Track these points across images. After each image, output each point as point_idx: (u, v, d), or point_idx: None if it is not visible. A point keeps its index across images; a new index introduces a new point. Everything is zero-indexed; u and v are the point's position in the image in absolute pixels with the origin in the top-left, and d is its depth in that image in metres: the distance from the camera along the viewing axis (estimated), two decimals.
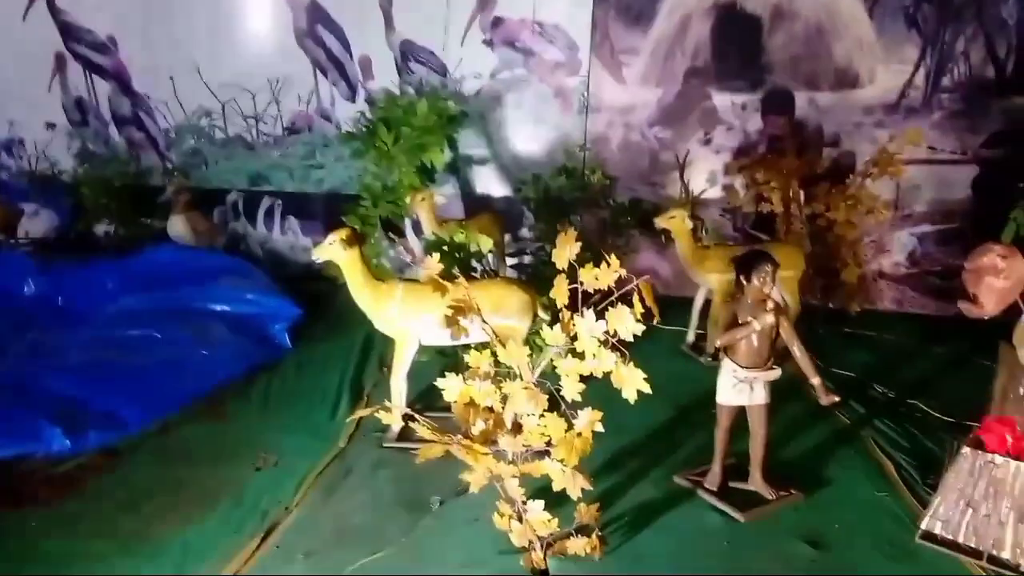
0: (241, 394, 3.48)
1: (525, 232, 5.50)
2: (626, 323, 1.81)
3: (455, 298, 2.00)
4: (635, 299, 1.82)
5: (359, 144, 5.15)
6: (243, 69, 5.57)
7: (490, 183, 5.55)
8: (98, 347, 3.52)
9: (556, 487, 2.02)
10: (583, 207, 4.96)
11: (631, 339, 1.82)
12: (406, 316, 2.95)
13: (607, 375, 1.86)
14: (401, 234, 5.59)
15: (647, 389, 1.84)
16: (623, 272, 1.84)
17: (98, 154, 5.94)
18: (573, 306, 1.89)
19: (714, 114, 5.14)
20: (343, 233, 2.93)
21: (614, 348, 1.82)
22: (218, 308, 4.22)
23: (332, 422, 3.21)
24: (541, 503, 2.07)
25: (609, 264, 1.85)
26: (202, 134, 5.79)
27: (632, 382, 1.84)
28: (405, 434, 2.95)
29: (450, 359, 3.66)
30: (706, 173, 5.17)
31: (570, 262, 1.90)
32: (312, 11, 5.40)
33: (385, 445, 2.94)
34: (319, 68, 5.52)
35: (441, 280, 2.08)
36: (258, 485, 2.64)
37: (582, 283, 1.88)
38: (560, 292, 1.92)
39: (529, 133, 5.42)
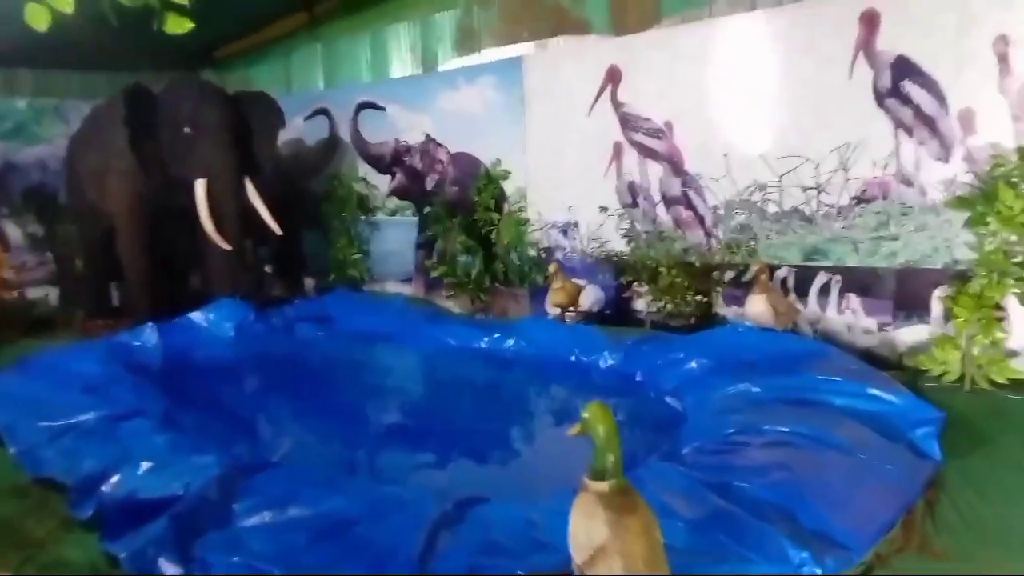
0: (926, 518, 2.91)
1: None
2: None
3: None
4: None
5: (977, 209, 4.36)
6: (807, 139, 5.25)
7: None
8: (752, 442, 3.30)
9: None
10: None
11: None
12: None
13: None
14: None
15: None
16: None
17: (645, 233, 6.23)
18: None
19: None
20: None
21: None
22: (838, 403, 3.77)
23: None
24: None
25: None
26: (753, 209, 5.62)
27: None
28: None
29: None
30: None
31: None
32: (898, 67, 4.84)
33: None
34: (902, 128, 4.89)
35: None
36: None
37: None
38: None
39: None
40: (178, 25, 2.25)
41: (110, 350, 5.72)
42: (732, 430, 3.50)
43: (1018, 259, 4.21)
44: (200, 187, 6.39)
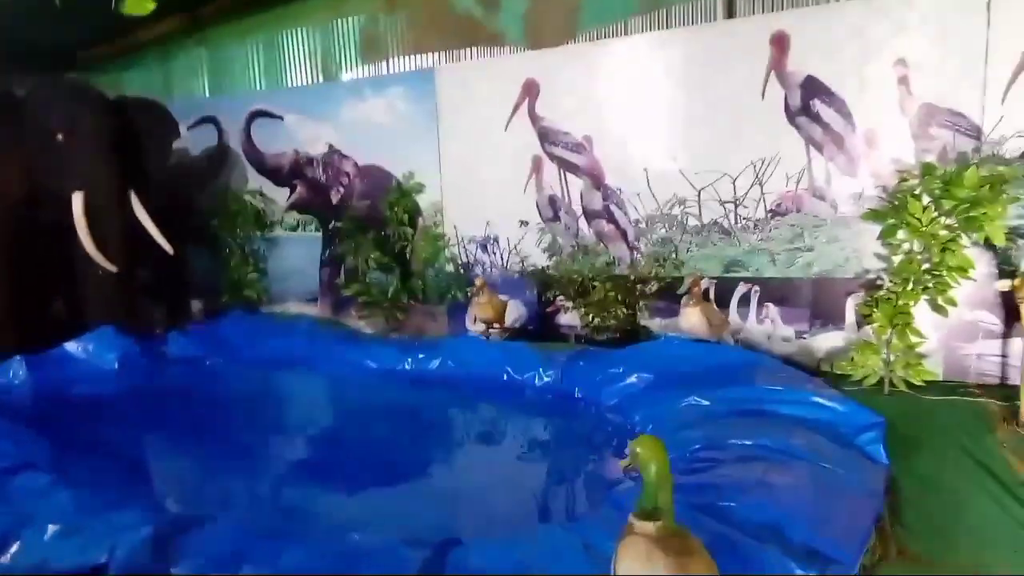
0: (895, 524, 2.98)
1: None
2: None
3: None
4: None
5: (888, 221, 4.64)
6: (724, 155, 5.42)
7: None
8: (722, 458, 3.28)
9: None
10: None
11: None
12: None
13: None
14: None
15: None
16: None
17: (567, 247, 6.19)
18: None
19: None
20: None
21: None
22: (786, 412, 3.85)
23: None
24: None
25: None
26: (674, 222, 5.73)
27: None
28: None
29: None
30: None
31: None
32: (808, 87, 5.10)
33: None
34: (813, 144, 5.15)
35: None
36: None
37: None
38: None
39: None
40: (138, 6, 1.90)
41: None
42: (697, 446, 3.46)
43: (927, 267, 4.51)
44: (77, 201, 5.65)
